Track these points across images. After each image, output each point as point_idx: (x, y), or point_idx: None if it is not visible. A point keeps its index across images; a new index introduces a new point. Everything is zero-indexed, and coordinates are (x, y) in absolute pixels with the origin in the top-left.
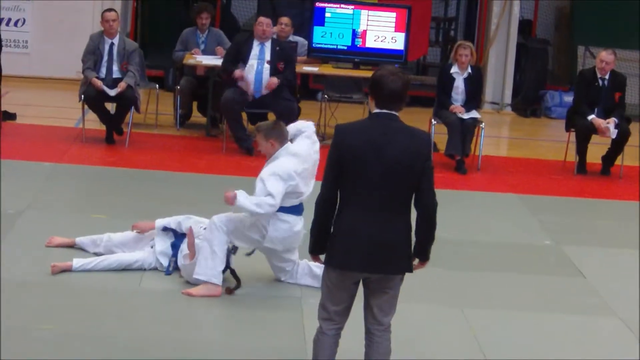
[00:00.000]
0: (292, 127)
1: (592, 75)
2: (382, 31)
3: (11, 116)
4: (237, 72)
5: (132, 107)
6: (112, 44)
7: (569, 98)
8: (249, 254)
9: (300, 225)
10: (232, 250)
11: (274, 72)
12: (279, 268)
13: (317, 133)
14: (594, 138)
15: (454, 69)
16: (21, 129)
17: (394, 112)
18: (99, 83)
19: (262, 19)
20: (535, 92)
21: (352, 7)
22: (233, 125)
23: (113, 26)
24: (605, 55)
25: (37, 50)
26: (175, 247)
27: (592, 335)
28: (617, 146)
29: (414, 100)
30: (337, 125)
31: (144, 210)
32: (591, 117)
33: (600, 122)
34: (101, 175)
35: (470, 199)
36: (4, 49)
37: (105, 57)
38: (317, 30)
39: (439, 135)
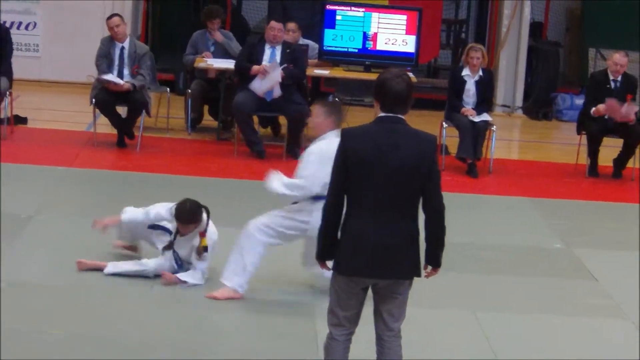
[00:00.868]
0: None
1: (604, 77)
2: (393, 34)
3: (22, 120)
4: (255, 67)
5: (143, 111)
6: (122, 48)
7: (580, 101)
8: None
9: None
10: None
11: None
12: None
13: None
14: (606, 141)
15: (465, 72)
16: (32, 133)
17: (399, 116)
18: (119, 81)
19: (273, 23)
20: (547, 95)
21: (363, 9)
22: (244, 129)
23: (119, 32)
24: (619, 58)
25: (48, 54)
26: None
27: (604, 338)
28: (629, 149)
29: (425, 103)
30: (342, 129)
31: None
32: (602, 105)
33: (613, 102)
34: (112, 179)
35: (481, 203)
36: (15, 52)
37: (117, 62)
38: (328, 33)
39: (451, 138)
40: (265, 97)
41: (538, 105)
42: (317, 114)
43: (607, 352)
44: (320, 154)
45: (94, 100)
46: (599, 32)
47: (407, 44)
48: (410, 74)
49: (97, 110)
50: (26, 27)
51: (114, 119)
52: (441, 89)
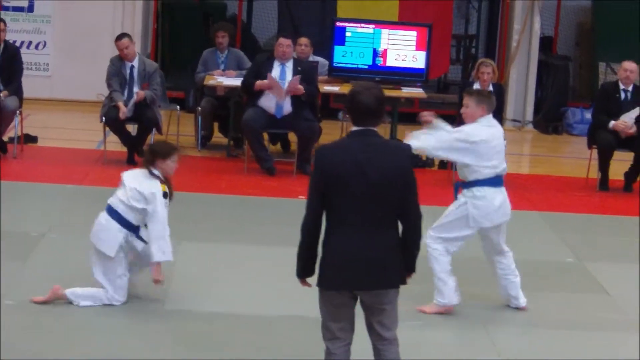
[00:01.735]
0: None
1: (614, 88)
2: (403, 50)
3: (32, 139)
4: (258, 82)
5: (154, 129)
6: (132, 67)
7: (590, 115)
8: None
9: (500, 199)
10: None
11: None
12: (497, 256)
13: None
14: (617, 155)
15: (475, 87)
16: (43, 151)
17: (371, 128)
18: (124, 109)
19: (282, 39)
20: (557, 109)
21: (373, 26)
22: (254, 146)
23: (128, 53)
24: (627, 64)
25: (58, 73)
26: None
27: (617, 352)
28: (639, 163)
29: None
30: (317, 148)
31: None
32: (612, 123)
33: (620, 122)
34: None
35: None
36: (25, 71)
37: (127, 80)
38: (338, 50)
39: None
40: (275, 113)
41: (548, 119)
42: (467, 104)
43: None
44: (474, 133)
45: (104, 118)
46: (609, 46)
47: (417, 59)
48: (420, 90)
49: (107, 128)
50: (36, 47)
51: (124, 137)
52: (451, 104)
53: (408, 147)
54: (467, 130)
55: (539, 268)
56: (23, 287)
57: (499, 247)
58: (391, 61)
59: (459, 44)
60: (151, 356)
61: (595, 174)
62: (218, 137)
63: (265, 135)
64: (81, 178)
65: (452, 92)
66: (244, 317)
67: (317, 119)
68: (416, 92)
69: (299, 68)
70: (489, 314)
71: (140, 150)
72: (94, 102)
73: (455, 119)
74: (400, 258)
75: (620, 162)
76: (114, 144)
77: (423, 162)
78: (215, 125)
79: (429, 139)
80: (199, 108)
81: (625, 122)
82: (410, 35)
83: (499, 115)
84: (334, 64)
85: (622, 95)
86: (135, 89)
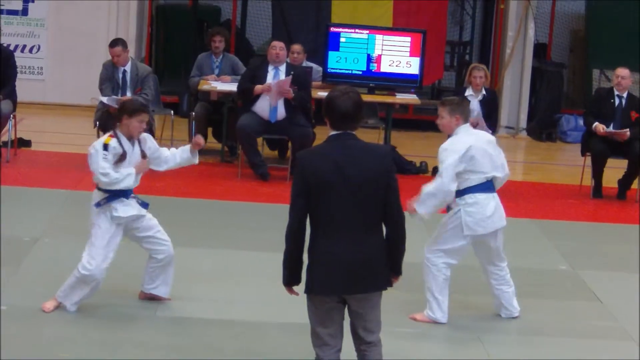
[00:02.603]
0: None
1: (608, 93)
2: (397, 56)
3: (26, 143)
4: (258, 87)
5: (149, 133)
6: (124, 71)
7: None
8: None
9: (493, 205)
10: None
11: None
12: (491, 267)
13: None
14: (611, 162)
15: (468, 92)
16: (36, 155)
17: (349, 132)
18: (111, 103)
19: (275, 42)
20: (551, 116)
21: (367, 31)
22: (248, 151)
23: (119, 60)
24: (620, 70)
25: (52, 77)
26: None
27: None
28: (633, 169)
29: (429, 124)
30: (298, 153)
31: None
32: (595, 124)
33: (602, 126)
34: None
35: None
36: (19, 75)
37: (119, 85)
38: (332, 55)
39: None
40: (269, 118)
41: (542, 126)
42: (441, 114)
43: None
44: (451, 148)
45: (97, 122)
46: (603, 53)
47: (411, 65)
48: (414, 96)
49: (101, 133)
50: (30, 50)
51: None
52: None
53: (388, 149)
54: (448, 149)
55: (533, 275)
56: (16, 292)
57: (498, 255)
58: (385, 67)
59: (453, 51)
60: None
61: (589, 181)
62: (212, 143)
63: (261, 141)
64: (75, 183)
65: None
66: (237, 323)
67: (312, 125)
68: (410, 98)
69: (292, 73)
70: (483, 322)
71: None
72: (87, 106)
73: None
74: (386, 261)
75: (614, 170)
76: None
77: (417, 169)
78: (209, 130)
79: (430, 194)
80: (193, 113)
81: (604, 127)
82: (404, 41)
83: (493, 121)
84: (328, 70)
85: (617, 101)
86: (129, 94)
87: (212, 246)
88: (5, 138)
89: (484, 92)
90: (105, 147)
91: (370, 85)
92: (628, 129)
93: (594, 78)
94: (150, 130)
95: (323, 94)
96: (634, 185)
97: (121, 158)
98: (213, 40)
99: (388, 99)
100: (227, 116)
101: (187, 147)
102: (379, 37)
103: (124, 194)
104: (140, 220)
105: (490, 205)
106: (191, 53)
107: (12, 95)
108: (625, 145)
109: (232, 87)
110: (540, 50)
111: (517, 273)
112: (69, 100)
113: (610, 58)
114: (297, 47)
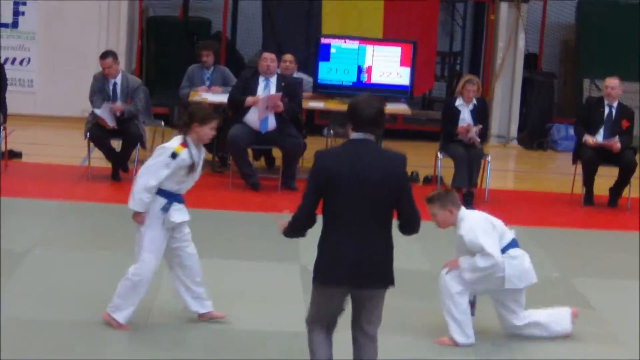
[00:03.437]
0: None
1: (598, 102)
2: (388, 66)
3: (17, 155)
4: (250, 99)
5: (138, 144)
6: (115, 84)
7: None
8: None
9: (528, 259)
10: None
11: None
12: (511, 310)
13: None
14: (602, 170)
15: (459, 102)
16: (27, 167)
17: (368, 137)
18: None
19: (265, 54)
20: (542, 126)
21: (358, 42)
22: (239, 162)
23: (110, 72)
24: (609, 80)
25: (42, 89)
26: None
27: None
28: (624, 177)
29: (420, 134)
30: (316, 151)
31: None
32: (585, 137)
33: (592, 138)
34: (108, 212)
35: None
36: (9, 87)
37: (110, 96)
38: (323, 66)
39: (445, 169)
40: (260, 129)
41: (533, 136)
42: (433, 212)
43: None
44: (477, 224)
45: (88, 134)
46: (593, 62)
47: (401, 76)
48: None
49: (92, 144)
50: (20, 63)
51: (109, 152)
52: (436, 121)
53: (402, 155)
54: (471, 226)
55: None
56: (7, 304)
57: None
58: (376, 77)
59: (443, 61)
60: None
61: (580, 189)
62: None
63: (250, 151)
64: (66, 194)
65: (437, 109)
66: (230, 332)
67: (302, 135)
68: (401, 107)
69: (283, 84)
70: (475, 327)
71: (124, 166)
72: (78, 118)
73: (440, 136)
74: (392, 260)
75: (606, 178)
76: (99, 160)
77: (408, 178)
78: None
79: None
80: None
81: (594, 139)
82: (395, 52)
83: (484, 129)
84: (319, 81)
85: (607, 110)
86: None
87: (204, 256)
88: None
89: (474, 101)
90: (174, 155)
91: None
92: (617, 140)
93: (584, 88)
94: (141, 141)
95: (314, 104)
96: (625, 193)
97: (191, 169)
98: (201, 54)
99: None
100: (218, 127)
101: None
102: (369, 48)
103: (177, 198)
104: (183, 227)
105: (526, 259)
106: (182, 65)
107: (2, 107)
108: (616, 154)
109: (223, 98)
110: (531, 60)
111: None
112: (59, 112)
113: (601, 67)
114: (288, 57)
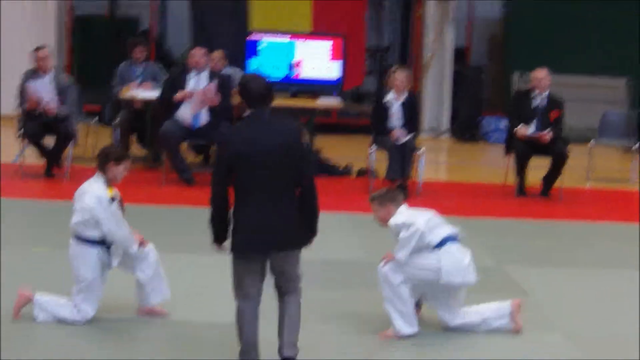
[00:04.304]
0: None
1: (527, 94)
2: (318, 60)
3: None
4: (180, 94)
5: (71, 141)
6: (45, 82)
7: (504, 123)
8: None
9: (468, 257)
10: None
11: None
12: (449, 308)
13: None
14: (533, 160)
15: (390, 96)
16: None
17: (262, 110)
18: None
19: (195, 50)
20: (472, 119)
21: (288, 36)
22: (172, 157)
23: (46, 64)
24: (537, 72)
25: None
26: None
27: (539, 351)
28: (555, 169)
29: (352, 128)
30: (221, 132)
31: None
32: (518, 127)
33: (521, 129)
34: (42, 208)
35: None
36: None
37: (41, 94)
38: (253, 62)
39: (379, 162)
40: (192, 124)
41: (464, 129)
42: (374, 209)
43: None
44: (405, 212)
45: (22, 131)
46: (521, 55)
47: (332, 70)
48: (337, 99)
49: (25, 142)
50: None
51: (42, 149)
52: (367, 115)
53: (296, 123)
54: (405, 222)
55: None
56: None
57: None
58: (306, 72)
59: (372, 56)
60: None
61: (512, 180)
62: (136, 149)
63: (185, 147)
64: None
65: (368, 103)
66: (169, 323)
67: None
68: (333, 101)
69: (214, 79)
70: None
71: (58, 163)
72: (9, 116)
73: (371, 130)
74: (301, 222)
75: (538, 169)
76: (32, 157)
77: (341, 171)
78: (133, 136)
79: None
80: (116, 122)
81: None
82: (325, 46)
83: (414, 123)
84: None
85: (536, 102)
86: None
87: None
88: None
89: (405, 94)
90: (113, 200)
91: (293, 90)
92: (549, 131)
93: (513, 81)
94: (74, 138)
95: None
96: (557, 183)
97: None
98: (134, 51)
99: (309, 104)
100: (151, 123)
101: None
102: (300, 42)
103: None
104: None
105: (467, 256)
106: (112, 62)
107: None
108: (548, 144)
109: (154, 94)
110: (460, 54)
111: None
112: None
113: (528, 60)
114: (216, 54)
